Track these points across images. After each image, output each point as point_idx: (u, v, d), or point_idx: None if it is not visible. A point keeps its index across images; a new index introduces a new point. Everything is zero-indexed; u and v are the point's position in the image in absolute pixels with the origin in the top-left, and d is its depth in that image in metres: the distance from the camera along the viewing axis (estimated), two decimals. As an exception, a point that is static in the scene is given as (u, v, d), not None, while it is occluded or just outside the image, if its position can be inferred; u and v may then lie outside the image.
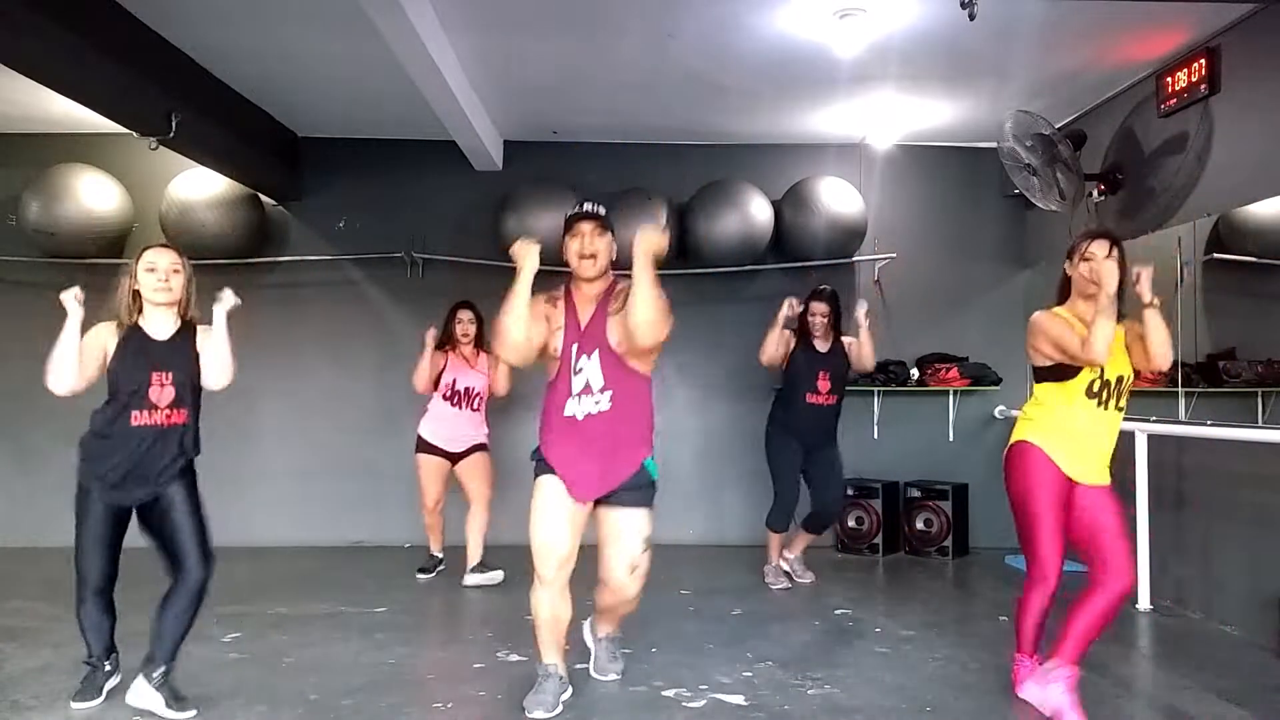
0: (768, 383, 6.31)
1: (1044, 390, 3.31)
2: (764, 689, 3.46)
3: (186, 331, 3.29)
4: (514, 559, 5.78)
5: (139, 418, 3.18)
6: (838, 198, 6.15)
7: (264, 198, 6.26)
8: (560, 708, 3.20)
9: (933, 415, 6.48)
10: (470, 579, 5.23)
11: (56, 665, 3.70)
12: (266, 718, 3.18)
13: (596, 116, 5.96)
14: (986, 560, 6.02)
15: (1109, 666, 3.77)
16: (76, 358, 3.12)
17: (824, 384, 5.08)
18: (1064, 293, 3.36)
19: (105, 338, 3.22)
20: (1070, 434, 3.23)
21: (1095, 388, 3.22)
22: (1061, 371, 3.25)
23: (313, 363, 6.43)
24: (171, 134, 4.74)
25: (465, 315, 5.45)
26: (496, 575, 5.24)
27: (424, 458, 5.38)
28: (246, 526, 6.04)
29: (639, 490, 3.25)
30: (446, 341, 5.43)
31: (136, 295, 3.24)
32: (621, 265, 6.12)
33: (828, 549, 6.24)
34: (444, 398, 5.37)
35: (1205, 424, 4.40)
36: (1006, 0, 4.11)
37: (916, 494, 6.15)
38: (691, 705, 3.31)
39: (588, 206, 3.29)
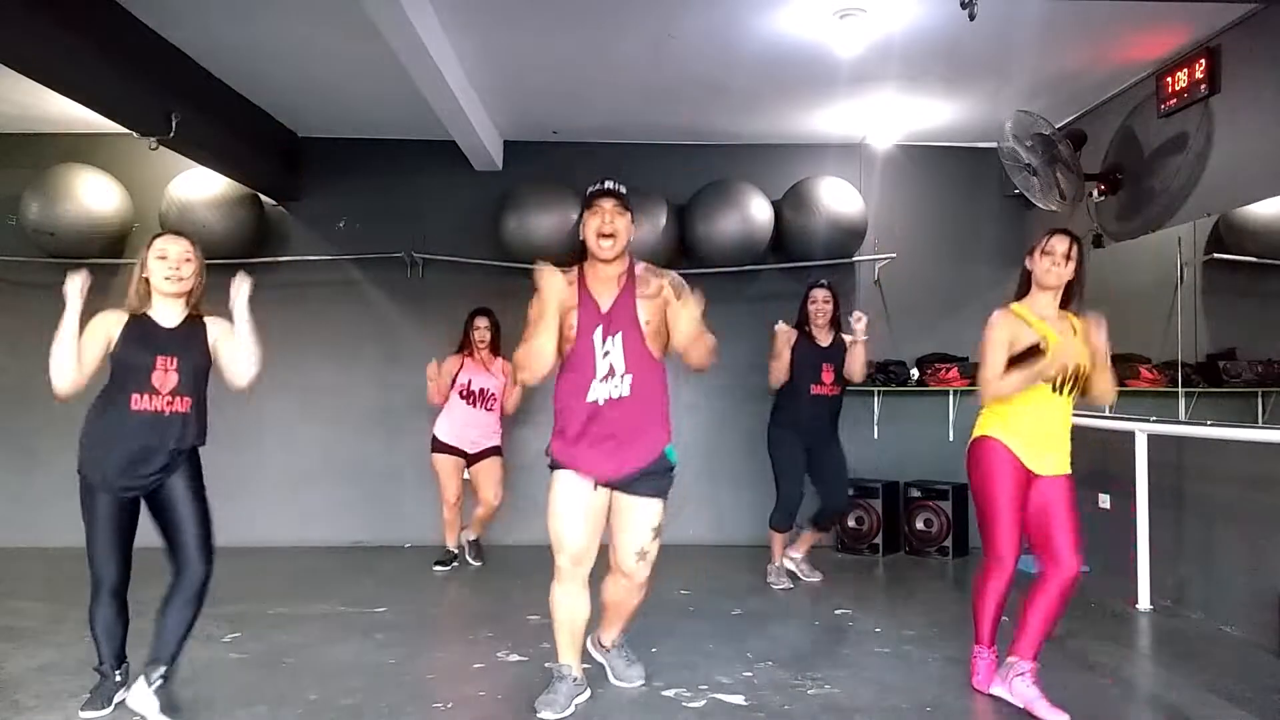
0: (768, 384, 6.31)
1: None
2: (764, 689, 3.46)
3: (195, 321, 3.25)
4: (516, 559, 5.81)
5: (139, 401, 3.11)
6: (838, 198, 6.14)
7: (264, 198, 6.26)
8: (573, 709, 3.20)
9: (933, 415, 6.48)
10: (438, 569, 5.55)
11: (57, 665, 3.70)
12: (266, 718, 3.18)
13: (596, 116, 5.96)
14: (986, 560, 6.00)
15: (1109, 666, 3.78)
16: (75, 349, 3.07)
17: (828, 375, 5.09)
18: (1024, 287, 3.42)
19: (110, 324, 3.16)
20: (1027, 423, 3.30)
21: (1056, 377, 3.29)
22: (1018, 361, 3.32)
23: (313, 363, 6.43)
24: (171, 134, 4.74)
25: (482, 322, 5.61)
26: (457, 566, 5.65)
27: (440, 457, 5.57)
28: (246, 526, 6.02)
29: (656, 477, 3.23)
30: (464, 346, 5.62)
31: (147, 283, 3.20)
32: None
33: (828, 549, 6.23)
34: (460, 396, 5.55)
35: (1205, 424, 4.39)
36: (1006, 0, 4.11)
37: (916, 494, 6.14)
38: (691, 705, 3.31)
39: (609, 184, 3.19)
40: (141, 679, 3.07)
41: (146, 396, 3.12)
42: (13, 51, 3.91)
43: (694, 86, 5.36)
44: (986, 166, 6.31)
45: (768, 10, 4.32)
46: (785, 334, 5.11)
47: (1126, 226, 5.32)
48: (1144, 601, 4.67)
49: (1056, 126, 5.35)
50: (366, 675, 3.62)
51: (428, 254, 6.41)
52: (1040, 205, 5.39)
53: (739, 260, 6.19)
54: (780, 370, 5.11)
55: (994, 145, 5.46)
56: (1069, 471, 3.32)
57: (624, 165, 6.38)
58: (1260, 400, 4.39)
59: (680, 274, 3.37)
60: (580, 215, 3.22)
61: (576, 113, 5.90)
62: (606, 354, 3.14)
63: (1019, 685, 3.23)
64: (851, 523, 6.18)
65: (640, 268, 3.26)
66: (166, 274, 3.17)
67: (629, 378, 3.15)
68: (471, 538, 5.72)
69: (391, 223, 6.44)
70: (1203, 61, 4.56)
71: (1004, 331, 3.32)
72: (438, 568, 5.54)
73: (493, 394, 5.56)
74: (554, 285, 3.12)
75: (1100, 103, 5.60)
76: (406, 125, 5.97)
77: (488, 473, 5.56)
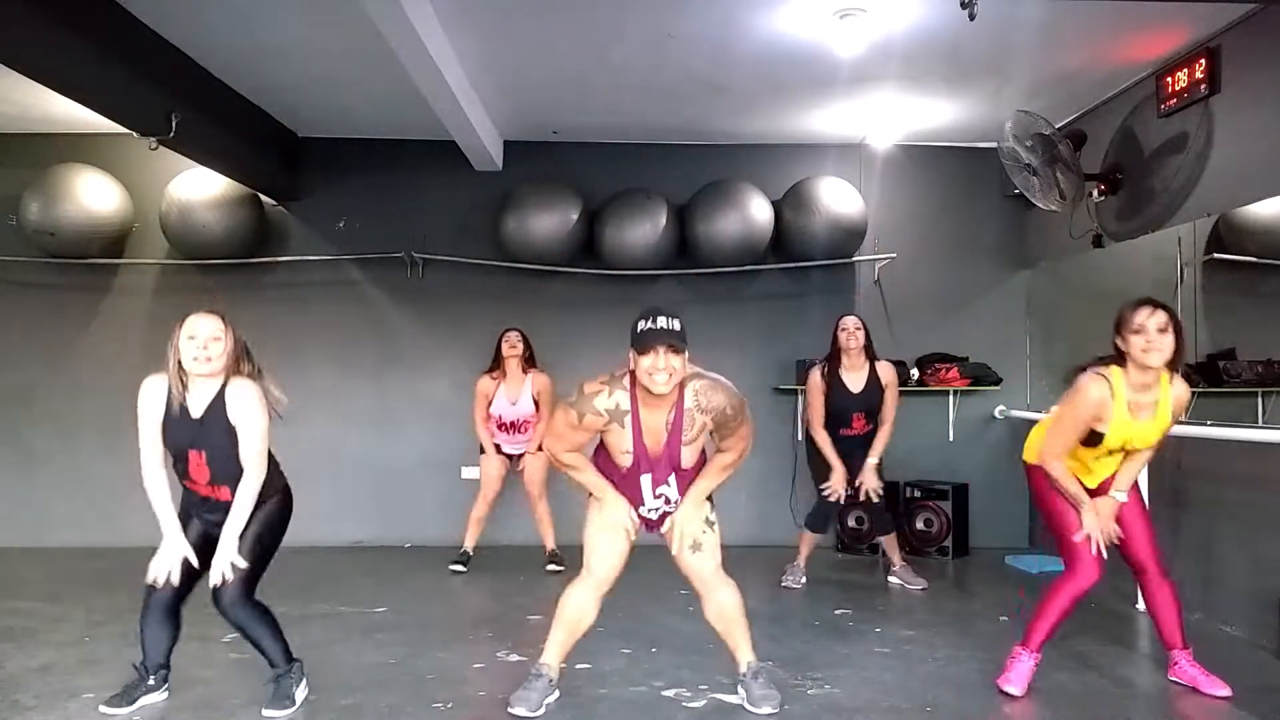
0: (768, 383, 6.32)
1: None
2: (764, 689, 3.45)
3: (218, 402, 3.15)
4: (516, 559, 5.81)
5: (191, 485, 3.21)
6: (838, 198, 6.14)
7: (264, 198, 6.26)
8: (543, 709, 3.21)
9: (933, 415, 6.48)
10: (455, 568, 5.52)
11: (57, 665, 3.71)
12: (266, 718, 3.18)
13: (596, 116, 5.96)
14: (986, 560, 6.02)
15: (1109, 666, 3.78)
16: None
17: (858, 422, 5.16)
18: (1119, 359, 3.29)
19: (154, 403, 3.15)
20: (1088, 472, 3.46)
21: (1115, 449, 3.40)
22: (1085, 439, 3.36)
23: (313, 362, 6.42)
24: (171, 134, 4.73)
25: (513, 336, 5.62)
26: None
27: (486, 457, 5.60)
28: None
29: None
30: (496, 364, 5.62)
31: (180, 365, 3.12)
32: (624, 264, 6.11)
33: (828, 549, 6.24)
34: (498, 427, 5.59)
35: (1205, 424, 4.39)
36: (1006, 0, 4.11)
37: (916, 494, 6.14)
38: (691, 705, 3.31)
39: (662, 322, 2.97)
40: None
41: (193, 484, 3.21)
42: (13, 51, 3.90)
43: (694, 86, 5.36)
44: (986, 166, 6.31)
45: (767, 10, 4.32)
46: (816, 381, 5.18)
47: (1126, 226, 5.32)
48: (1143, 602, 4.66)
49: (1056, 126, 5.35)
50: (366, 675, 3.63)
51: (428, 254, 6.41)
52: (1040, 205, 5.39)
53: (739, 260, 6.19)
54: (817, 420, 5.19)
55: (994, 145, 5.46)
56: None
57: (624, 165, 6.40)
58: (1260, 400, 4.39)
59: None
60: (629, 347, 3.03)
61: (576, 113, 5.90)
62: (659, 494, 3.24)
63: (1179, 670, 3.50)
64: (851, 523, 6.18)
65: (690, 395, 3.11)
66: (195, 355, 3.09)
67: (678, 499, 3.28)
68: (549, 547, 5.59)
69: (391, 223, 6.43)
70: (1203, 61, 4.56)
71: (1091, 408, 3.26)
72: (455, 567, 5.49)
73: (526, 420, 5.54)
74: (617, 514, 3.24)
75: (1100, 103, 5.60)
76: (406, 125, 5.97)
77: (528, 460, 5.56)
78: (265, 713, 3.18)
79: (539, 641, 3.88)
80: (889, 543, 5.33)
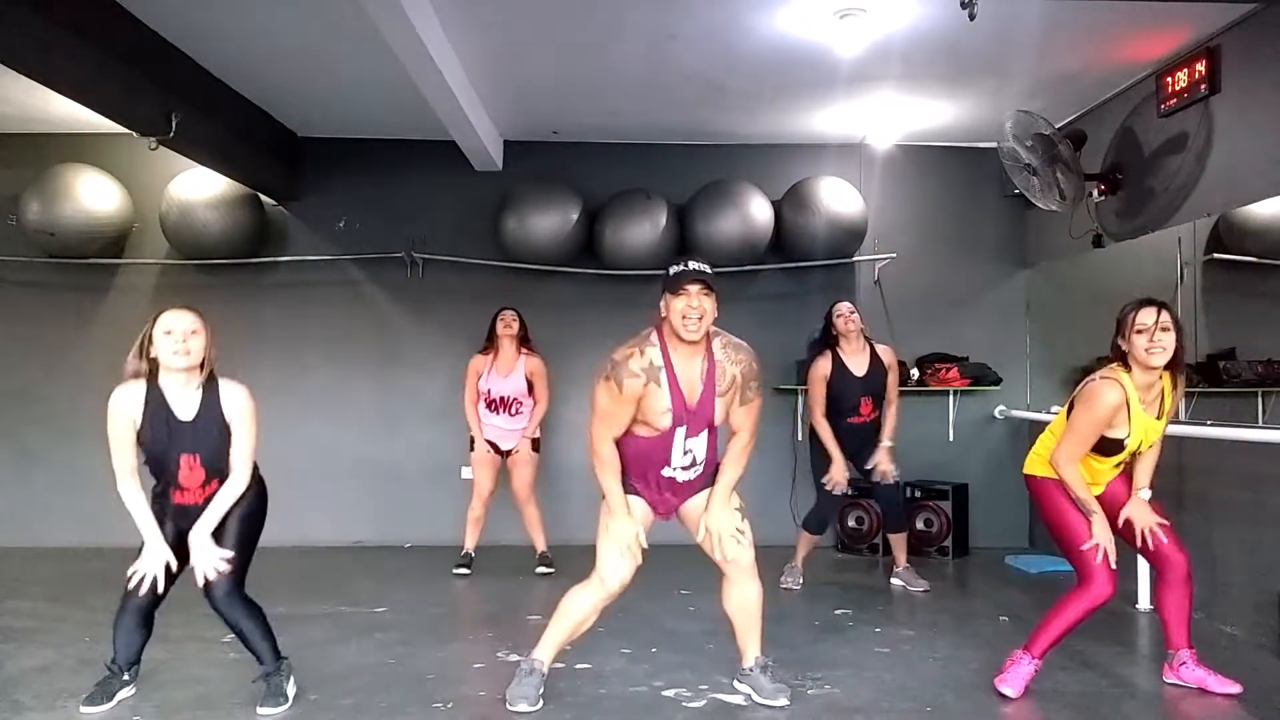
0: (768, 383, 6.28)
1: None
2: (764, 689, 3.45)
3: (211, 402, 3.19)
4: (516, 559, 5.81)
5: (179, 497, 3.21)
6: (838, 198, 6.14)
7: (264, 198, 6.26)
8: (540, 703, 3.21)
9: (933, 415, 6.48)
10: (459, 572, 5.43)
11: (57, 665, 3.71)
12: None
13: (596, 116, 5.96)
14: (986, 560, 6.02)
15: (1109, 666, 3.78)
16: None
17: (865, 408, 5.12)
18: (1118, 358, 3.31)
19: (130, 408, 3.15)
20: (1092, 478, 3.45)
21: (1120, 461, 3.43)
22: (1101, 447, 3.34)
23: (312, 362, 6.43)
24: (171, 134, 4.73)
25: (508, 315, 5.55)
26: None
27: (475, 454, 5.49)
28: (246, 526, 6.04)
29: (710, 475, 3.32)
30: (490, 342, 5.55)
31: (153, 361, 3.16)
32: (624, 264, 6.12)
33: (828, 549, 6.24)
34: (486, 405, 5.49)
35: (1205, 424, 4.39)
36: (1006, 0, 4.11)
37: (916, 494, 6.14)
38: (691, 705, 3.31)
39: (694, 265, 3.10)
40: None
41: (180, 492, 3.21)
42: (13, 51, 3.90)
43: (694, 86, 5.36)
44: (986, 166, 6.31)
45: (768, 10, 4.32)
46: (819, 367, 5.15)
47: (1126, 226, 5.32)
48: (1144, 601, 4.66)
49: (1056, 126, 5.35)
50: (366, 675, 3.63)
51: (428, 254, 6.41)
52: (1040, 205, 5.39)
53: (739, 260, 6.19)
54: (818, 409, 5.14)
55: (994, 145, 5.46)
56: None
57: (624, 165, 6.40)
58: (1260, 400, 4.39)
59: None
60: (662, 292, 3.12)
61: (576, 113, 5.90)
62: (688, 451, 3.19)
63: (1186, 671, 3.47)
64: (851, 523, 6.18)
65: (718, 348, 3.18)
66: (174, 349, 3.11)
67: (704, 463, 3.25)
68: (539, 549, 5.51)
69: (391, 223, 6.43)
70: (1203, 61, 4.55)
71: (1109, 412, 3.24)
72: (459, 570, 5.41)
73: (515, 399, 5.46)
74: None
75: (1100, 103, 5.60)
76: (406, 125, 5.97)
77: (521, 460, 5.46)
78: (260, 710, 3.18)
79: (539, 641, 3.90)
80: (898, 542, 5.27)
